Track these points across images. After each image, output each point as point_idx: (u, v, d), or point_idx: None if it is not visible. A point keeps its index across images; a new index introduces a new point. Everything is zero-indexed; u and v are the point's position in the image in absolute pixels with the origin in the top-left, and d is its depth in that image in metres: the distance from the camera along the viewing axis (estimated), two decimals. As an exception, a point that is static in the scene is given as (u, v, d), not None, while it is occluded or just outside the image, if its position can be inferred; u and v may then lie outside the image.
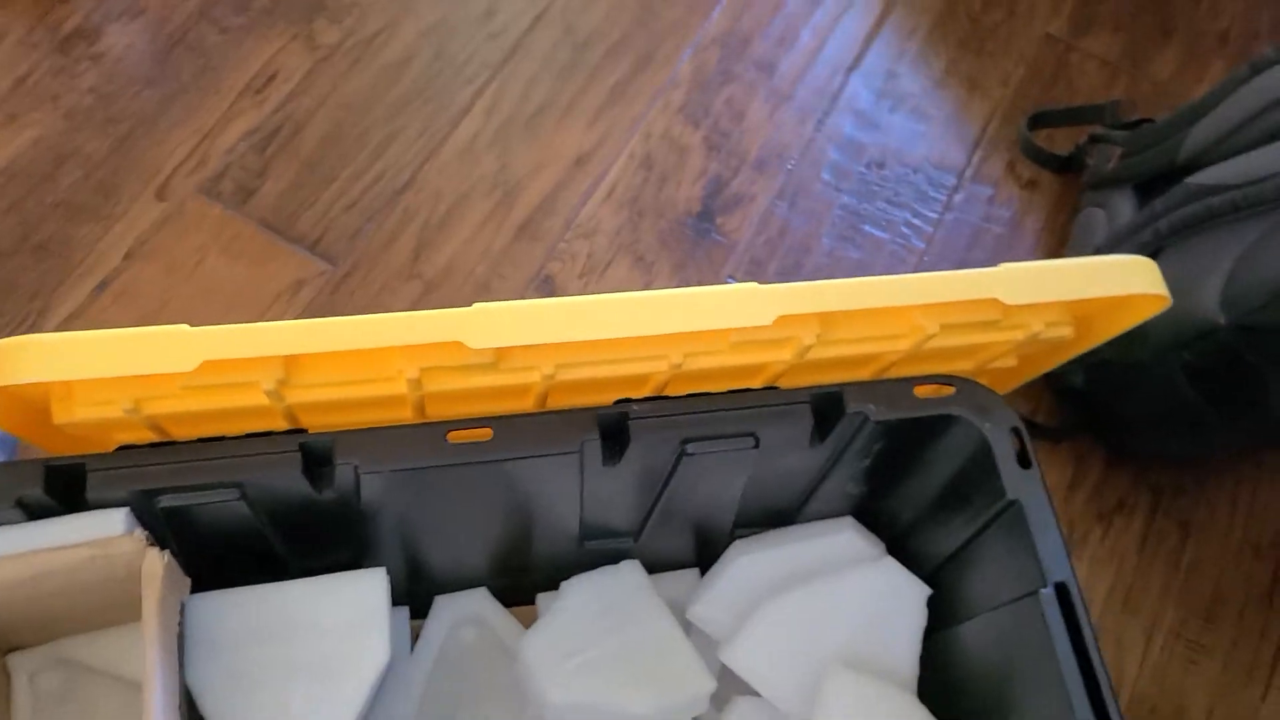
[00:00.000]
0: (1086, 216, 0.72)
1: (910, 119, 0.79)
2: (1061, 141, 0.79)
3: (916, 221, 0.74)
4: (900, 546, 0.54)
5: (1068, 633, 0.42)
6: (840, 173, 0.75)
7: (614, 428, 0.45)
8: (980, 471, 0.46)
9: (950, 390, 0.47)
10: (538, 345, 0.40)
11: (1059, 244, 0.75)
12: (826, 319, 0.44)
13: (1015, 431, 0.46)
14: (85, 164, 0.67)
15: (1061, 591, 0.43)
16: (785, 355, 0.45)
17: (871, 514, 0.55)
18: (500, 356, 0.42)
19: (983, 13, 0.85)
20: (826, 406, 0.46)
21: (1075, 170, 0.77)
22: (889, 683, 0.49)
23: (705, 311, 0.40)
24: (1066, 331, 0.48)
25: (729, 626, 0.53)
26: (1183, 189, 0.62)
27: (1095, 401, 0.66)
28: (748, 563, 0.54)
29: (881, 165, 0.76)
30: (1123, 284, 0.44)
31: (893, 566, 0.52)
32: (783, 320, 0.42)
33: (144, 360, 0.37)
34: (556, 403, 0.48)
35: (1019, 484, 0.45)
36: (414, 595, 0.56)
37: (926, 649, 0.51)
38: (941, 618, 0.51)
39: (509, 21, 0.78)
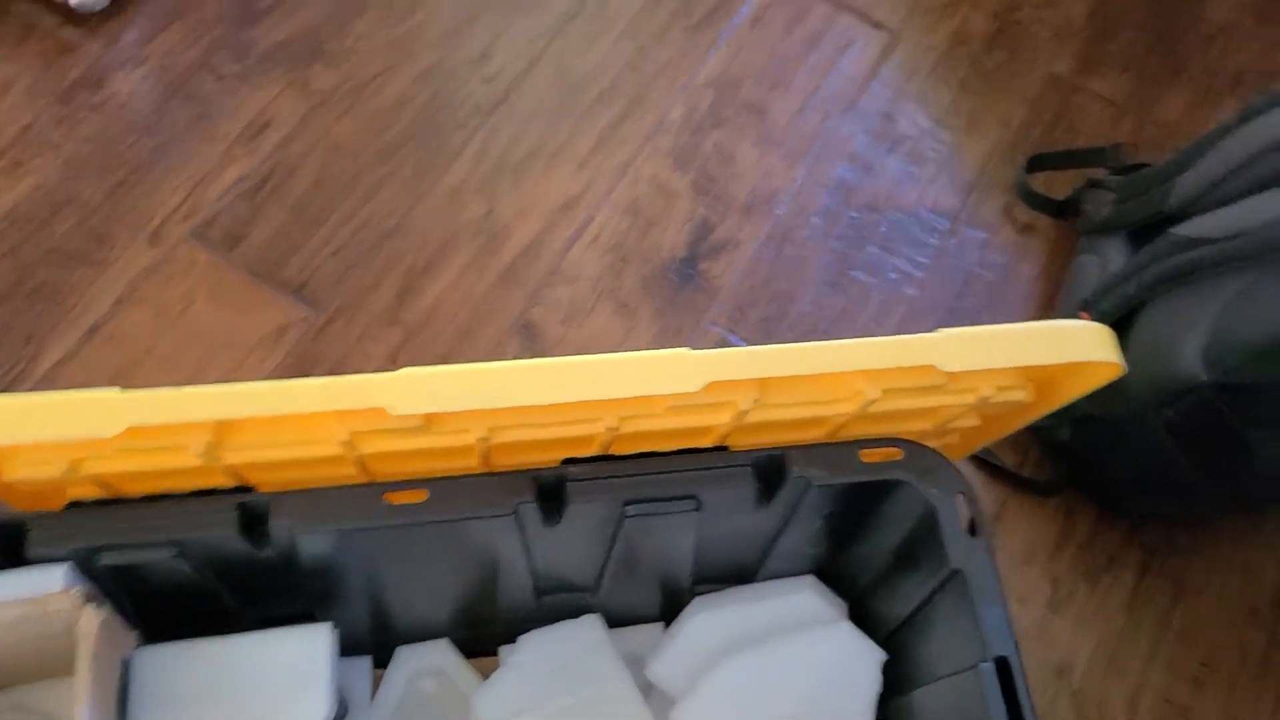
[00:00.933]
0: (1080, 263, 0.70)
1: (905, 162, 0.78)
2: (1063, 185, 0.77)
3: (907, 267, 0.73)
4: (860, 607, 0.54)
5: (1007, 710, 0.41)
6: (830, 217, 0.75)
7: (551, 490, 0.45)
8: (927, 537, 0.46)
9: (898, 454, 0.46)
10: (464, 410, 0.40)
11: (1054, 290, 0.74)
12: (763, 384, 0.43)
13: (964, 499, 0.45)
14: (81, 210, 0.69)
15: (1002, 666, 0.42)
16: (724, 419, 0.45)
17: (833, 572, 0.55)
18: (430, 420, 0.42)
19: (985, 53, 0.83)
20: (769, 470, 0.46)
21: (1074, 215, 0.75)
22: (838, 750, 0.48)
23: (630, 379, 0.40)
24: (1021, 395, 0.47)
25: (687, 685, 0.52)
26: (1167, 240, 0.60)
27: (1082, 457, 0.65)
28: (706, 620, 0.53)
29: (873, 209, 0.75)
30: (1070, 351, 0.43)
31: (848, 631, 0.51)
32: (715, 386, 0.41)
33: (69, 425, 0.38)
34: (502, 460, 0.48)
35: (964, 553, 0.44)
36: (378, 644, 0.56)
37: (881, 714, 0.50)
38: (896, 683, 0.50)
39: (504, 65, 0.79)
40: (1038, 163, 0.77)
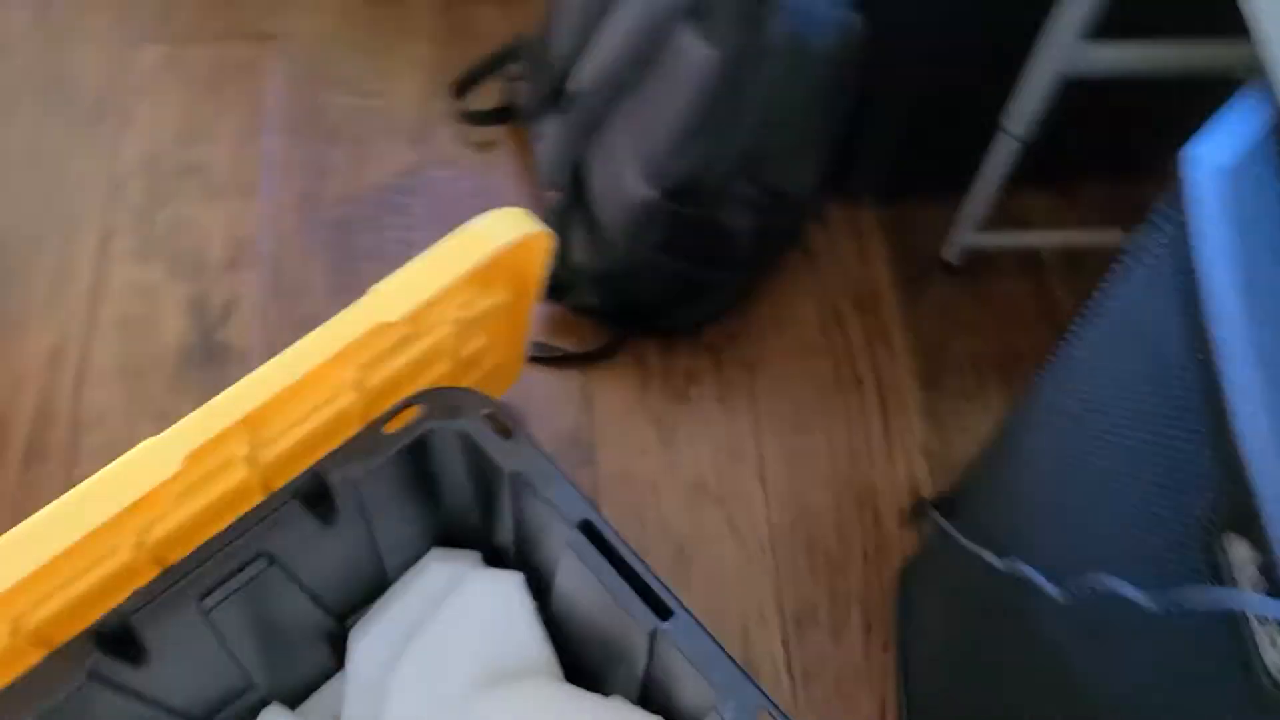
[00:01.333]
0: (538, 153, 0.75)
1: (347, 144, 0.79)
2: (496, 94, 0.81)
3: (403, 234, 0.75)
4: (489, 549, 0.56)
5: (609, 561, 0.45)
6: (312, 229, 0.75)
7: (118, 635, 0.43)
8: (482, 461, 0.48)
9: (420, 409, 0.48)
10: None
11: (537, 188, 0.78)
12: (247, 423, 0.43)
13: (490, 413, 0.48)
14: None
15: (588, 530, 0.45)
16: (243, 472, 0.45)
17: (455, 533, 0.56)
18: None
19: (369, 11, 0.85)
20: (312, 491, 0.46)
21: (515, 115, 0.79)
22: (532, 678, 0.51)
23: (101, 504, 0.39)
24: (496, 299, 0.50)
25: (383, 707, 0.53)
26: (569, 100, 0.65)
27: (618, 308, 0.70)
28: (366, 645, 0.53)
29: (346, 201, 0.76)
30: (490, 242, 0.46)
31: (481, 574, 0.53)
32: (196, 456, 0.41)
33: None
34: (72, 629, 0.46)
35: (511, 457, 0.47)
36: None
37: (549, 625, 0.53)
38: (541, 593, 0.53)
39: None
40: (462, 85, 0.80)
